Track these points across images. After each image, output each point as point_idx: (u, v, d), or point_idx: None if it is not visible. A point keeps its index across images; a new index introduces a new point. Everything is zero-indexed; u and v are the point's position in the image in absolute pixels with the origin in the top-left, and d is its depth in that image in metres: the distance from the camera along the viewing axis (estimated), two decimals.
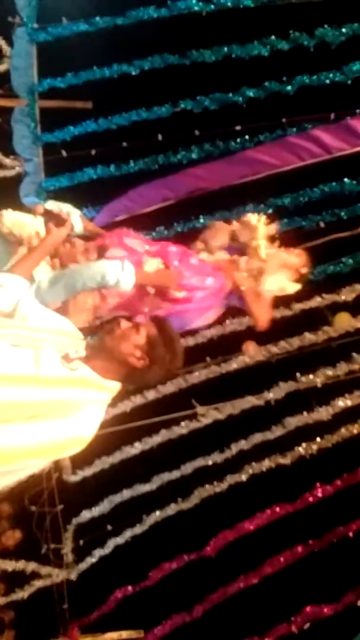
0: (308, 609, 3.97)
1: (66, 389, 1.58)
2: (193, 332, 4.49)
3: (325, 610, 3.97)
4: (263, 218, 3.00)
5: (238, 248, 3.04)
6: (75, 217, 2.74)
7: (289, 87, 4.02)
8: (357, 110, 4.07)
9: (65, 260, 2.57)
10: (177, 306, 2.80)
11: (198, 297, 2.87)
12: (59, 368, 1.60)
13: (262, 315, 2.95)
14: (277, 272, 3.01)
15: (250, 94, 4.14)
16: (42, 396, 1.54)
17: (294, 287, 3.09)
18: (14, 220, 2.51)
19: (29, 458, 1.53)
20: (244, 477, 4.54)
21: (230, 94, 4.20)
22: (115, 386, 1.68)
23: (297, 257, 3.09)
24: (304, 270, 3.10)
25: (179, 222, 4.67)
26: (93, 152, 4.85)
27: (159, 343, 1.70)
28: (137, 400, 4.72)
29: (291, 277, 3.08)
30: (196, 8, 4.06)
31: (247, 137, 4.37)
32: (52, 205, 2.73)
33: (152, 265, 2.74)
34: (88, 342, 1.73)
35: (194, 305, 2.88)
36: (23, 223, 2.51)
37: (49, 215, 2.46)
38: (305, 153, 3.97)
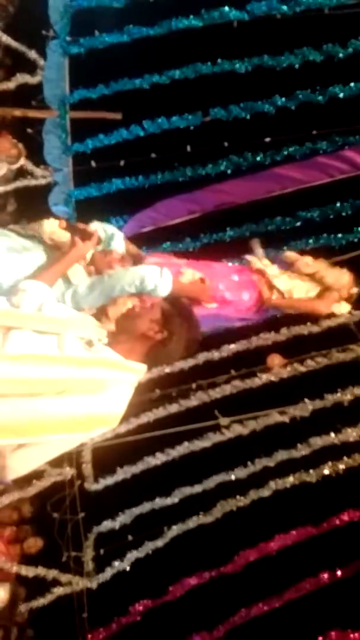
0: (333, 634, 3.85)
1: (91, 368, 1.62)
2: (218, 346, 4.47)
3: (352, 636, 3.84)
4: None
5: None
6: (119, 239, 2.76)
7: (320, 99, 3.95)
8: None
9: (101, 267, 2.58)
10: (210, 312, 2.82)
11: (229, 311, 2.89)
12: (82, 351, 1.64)
13: (317, 304, 2.97)
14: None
15: (281, 104, 4.08)
16: (68, 374, 1.58)
17: (345, 307, 3.09)
18: (53, 227, 2.54)
19: (58, 431, 1.56)
20: (267, 493, 4.46)
21: (260, 103, 4.15)
22: (139, 367, 1.71)
23: (343, 275, 3.08)
24: (354, 290, 3.10)
25: (206, 234, 4.64)
26: (122, 163, 4.86)
27: (173, 314, 1.77)
28: (160, 412, 4.71)
29: (340, 297, 3.08)
30: (229, 18, 4.04)
31: (276, 149, 4.32)
32: (97, 225, 2.75)
33: (188, 275, 2.76)
34: (109, 330, 1.76)
35: (225, 317, 2.90)
36: (61, 232, 2.54)
37: (73, 229, 2.47)
38: (335, 170, 3.91)
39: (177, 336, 1.75)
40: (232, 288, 2.90)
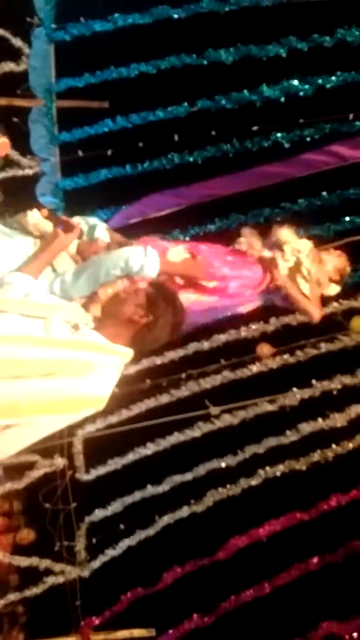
0: (325, 624, 3.92)
1: (77, 351, 1.63)
2: (208, 337, 4.49)
3: (344, 627, 3.91)
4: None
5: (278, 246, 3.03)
6: (101, 229, 2.74)
7: (307, 87, 3.94)
8: None
9: (87, 256, 2.56)
10: (212, 298, 2.76)
11: (233, 287, 2.83)
12: (68, 334, 1.66)
13: (314, 310, 2.93)
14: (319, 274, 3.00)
15: (268, 94, 4.07)
16: (54, 355, 1.60)
17: (334, 289, 3.06)
18: (38, 219, 2.52)
19: (45, 412, 1.58)
20: (257, 481, 4.51)
21: (247, 94, 4.14)
22: (126, 351, 1.73)
23: (337, 258, 3.05)
24: (346, 271, 3.06)
25: (195, 225, 4.64)
26: (109, 152, 4.82)
27: (159, 298, 1.79)
28: (151, 402, 4.73)
29: (331, 278, 3.04)
30: (214, 8, 4.01)
31: (264, 136, 4.31)
32: (79, 219, 2.73)
33: (177, 253, 2.72)
34: (95, 315, 1.78)
35: (230, 298, 2.83)
36: (45, 222, 2.53)
37: (55, 220, 2.46)
38: (322, 164, 3.93)
39: (163, 320, 1.77)
40: (229, 265, 2.85)
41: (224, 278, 2.79)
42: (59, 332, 1.64)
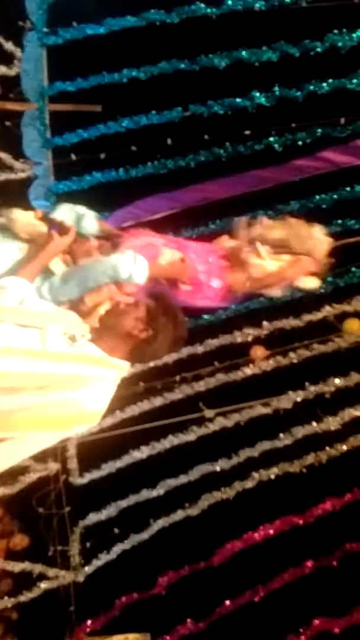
0: (317, 622, 3.94)
1: (73, 364, 1.61)
2: (201, 341, 4.50)
3: (334, 623, 3.94)
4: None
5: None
6: (90, 219, 2.70)
7: (298, 93, 3.97)
8: None
9: (78, 256, 2.53)
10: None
11: (197, 297, 2.84)
12: (65, 346, 1.63)
13: (284, 275, 2.84)
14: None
15: (260, 99, 4.10)
16: (50, 369, 1.57)
17: (312, 282, 2.99)
18: (26, 219, 2.49)
19: (38, 427, 1.56)
20: (251, 484, 4.52)
21: (240, 99, 4.16)
22: (123, 364, 1.70)
23: (324, 236, 2.94)
24: (324, 260, 2.99)
25: (187, 228, 4.65)
26: (102, 156, 4.83)
27: (159, 312, 1.75)
28: (145, 405, 4.73)
29: (313, 261, 2.95)
30: (206, 12, 4.03)
31: (256, 140, 4.33)
32: (66, 208, 2.69)
33: (167, 256, 2.71)
34: (92, 326, 1.75)
35: (193, 298, 2.86)
36: (34, 222, 2.49)
37: (49, 222, 2.43)
38: (313, 170, 3.96)
39: (163, 335, 1.74)
40: (207, 271, 2.85)
41: (200, 285, 2.81)
42: (55, 345, 1.61)
